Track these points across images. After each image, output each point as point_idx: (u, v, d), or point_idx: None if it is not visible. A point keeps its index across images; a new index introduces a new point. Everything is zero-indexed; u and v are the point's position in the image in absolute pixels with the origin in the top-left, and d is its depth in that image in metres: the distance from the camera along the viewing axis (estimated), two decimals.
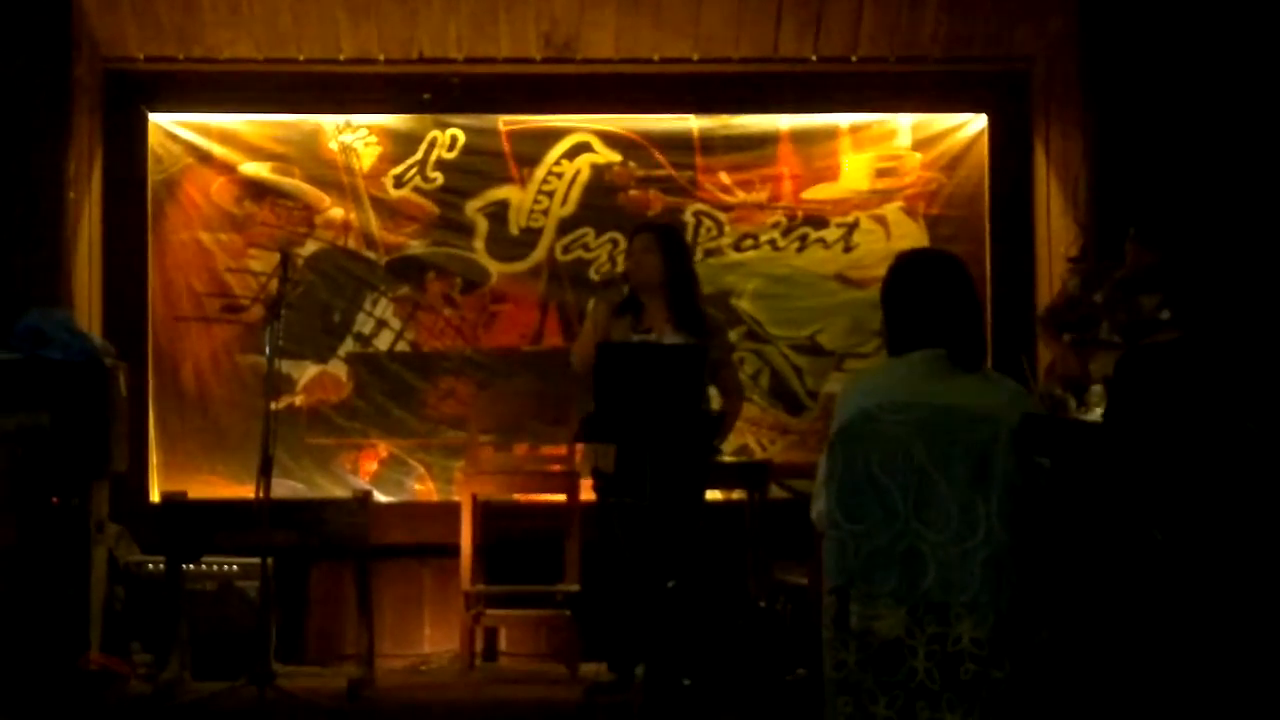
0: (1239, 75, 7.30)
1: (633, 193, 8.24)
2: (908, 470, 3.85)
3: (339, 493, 7.78)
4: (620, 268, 8.10)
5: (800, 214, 8.24)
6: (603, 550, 6.72)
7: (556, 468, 7.79)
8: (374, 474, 8.10)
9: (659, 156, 8.23)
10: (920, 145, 8.26)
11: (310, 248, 8.16)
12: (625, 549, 6.33)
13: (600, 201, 8.23)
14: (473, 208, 8.23)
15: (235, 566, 7.17)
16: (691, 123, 8.25)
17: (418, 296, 8.20)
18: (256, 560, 6.67)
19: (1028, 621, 3.80)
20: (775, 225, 8.23)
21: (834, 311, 8.22)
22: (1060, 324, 6.61)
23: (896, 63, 8.13)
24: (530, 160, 8.24)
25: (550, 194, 8.24)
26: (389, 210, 8.20)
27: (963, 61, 8.13)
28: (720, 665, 6.01)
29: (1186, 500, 4.01)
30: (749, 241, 8.23)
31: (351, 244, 8.19)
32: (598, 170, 8.25)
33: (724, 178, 8.22)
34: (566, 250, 8.21)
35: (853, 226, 8.23)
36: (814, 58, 8.10)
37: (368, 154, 8.21)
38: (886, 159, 8.25)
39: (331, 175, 8.19)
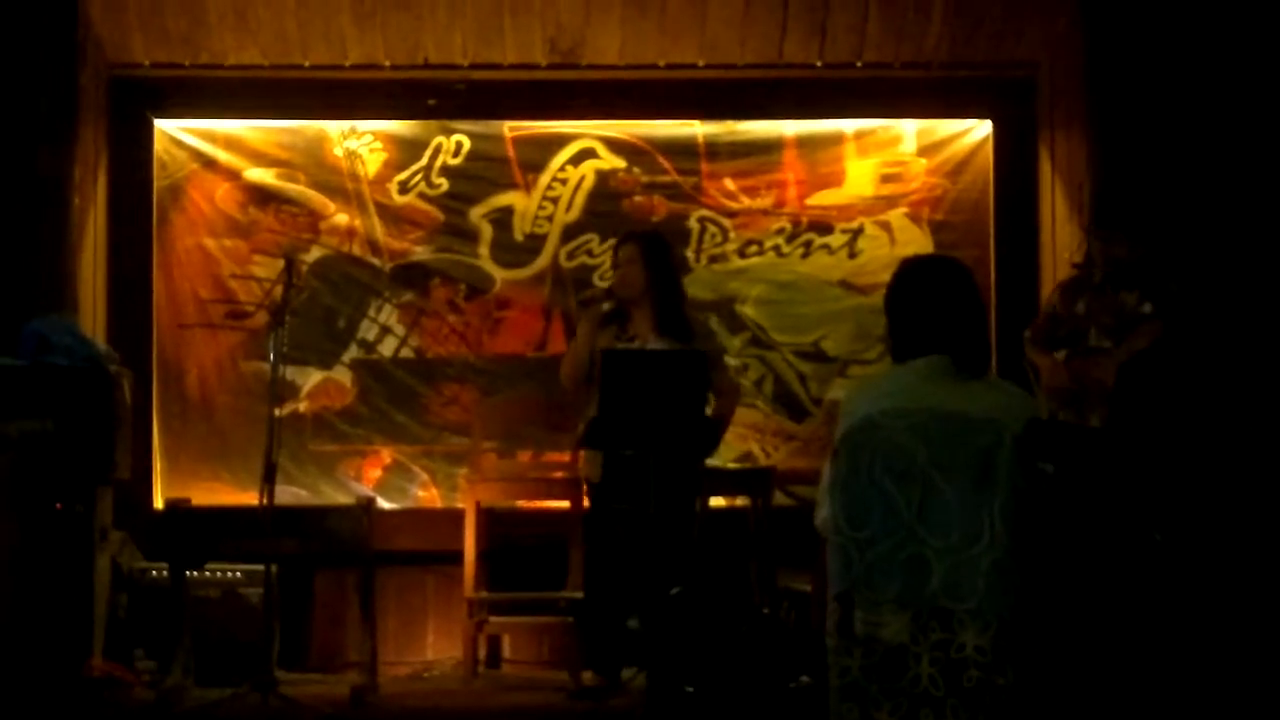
0: (1243, 79, 7.29)
1: (638, 199, 8.24)
2: (912, 476, 3.85)
3: (342, 499, 7.77)
4: None
5: (805, 220, 8.23)
6: (596, 558, 6.72)
7: (560, 474, 7.77)
8: (378, 480, 8.10)
9: (664, 162, 8.22)
10: (925, 151, 8.26)
11: (315, 254, 8.16)
12: (624, 556, 6.34)
13: (605, 208, 8.23)
14: (477, 214, 8.23)
15: (239, 573, 7.17)
16: (696, 129, 8.25)
17: (422, 303, 8.19)
18: (260, 567, 6.66)
19: (1032, 627, 3.79)
20: (780, 231, 8.22)
21: (838, 317, 8.21)
22: (1049, 341, 6.62)
23: (901, 68, 8.13)
24: (535, 166, 8.24)
25: (555, 200, 8.24)
26: (393, 216, 8.20)
27: (967, 67, 8.13)
28: (723, 672, 5.99)
29: (1188, 504, 4.00)
30: (753, 247, 8.23)
31: (356, 250, 8.19)
32: (602, 176, 8.25)
33: (729, 184, 8.22)
34: (571, 256, 8.21)
35: (857, 232, 8.22)
36: (819, 64, 8.10)
37: (372, 160, 8.21)
38: (891, 165, 8.25)
39: (336, 181, 8.19)
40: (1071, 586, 3.93)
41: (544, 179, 8.24)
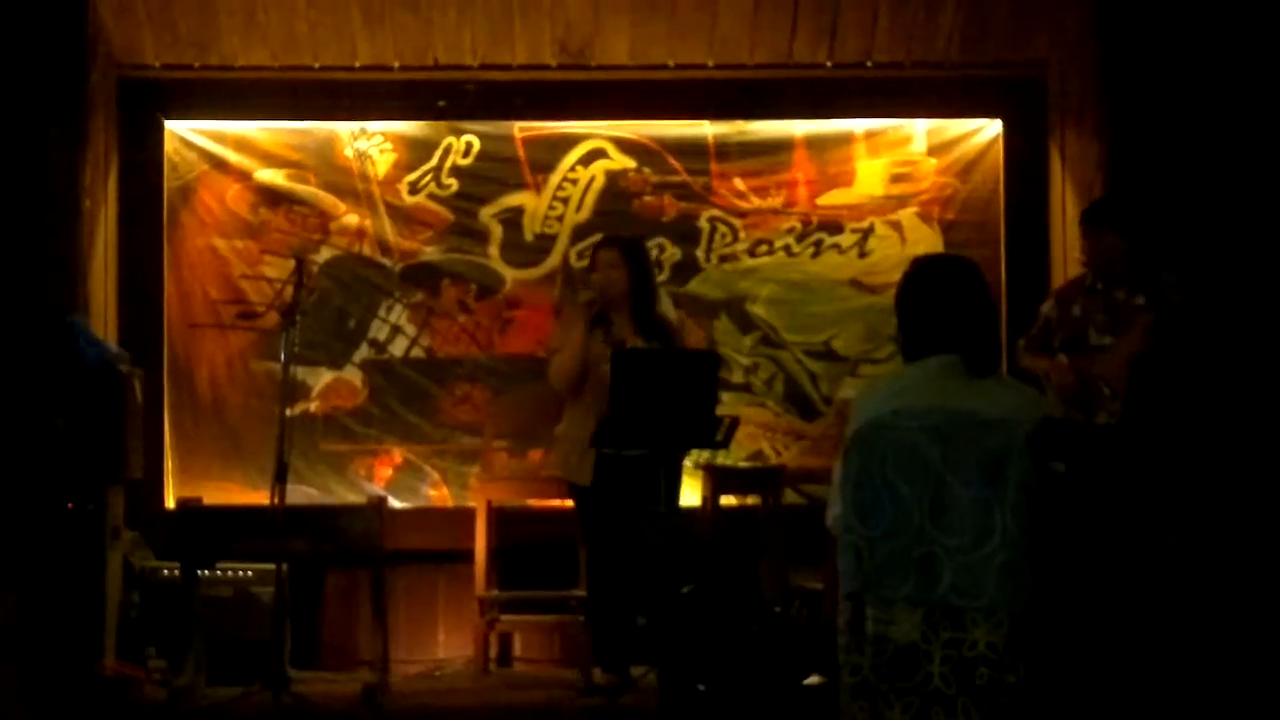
0: (1256, 78, 7.29)
1: (647, 199, 8.24)
2: (923, 475, 3.85)
3: (354, 499, 7.78)
4: None
5: (815, 220, 8.24)
6: (597, 558, 6.72)
7: None
8: (389, 480, 8.11)
9: (674, 163, 8.23)
10: (935, 151, 8.26)
11: (325, 254, 8.17)
12: (627, 555, 6.34)
13: (615, 208, 8.24)
14: (487, 214, 8.24)
15: (250, 573, 7.17)
16: (706, 129, 8.25)
17: (432, 303, 8.20)
18: (271, 566, 6.67)
19: (1043, 627, 3.79)
20: (790, 231, 8.23)
21: (848, 317, 8.21)
22: (1047, 348, 6.62)
23: (911, 68, 8.13)
24: (545, 167, 8.25)
25: (565, 200, 8.25)
26: (404, 217, 8.21)
27: (978, 67, 8.14)
28: (735, 670, 6.00)
29: (1202, 503, 4.00)
30: (764, 247, 8.23)
31: (366, 250, 8.20)
32: (612, 176, 8.26)
33: (739, 184, 8.22)
34: (581, 256, 8.21)
35: (867, 232, 8.23)
36: (829, 64, 8.10)
37: (383, 161, 8.22)
38: (901, 164, 8.26)
39: (346, 182, 8.20)
40: (1083, 585, 3.93)
41: (554, 179, 8.25)
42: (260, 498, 7.18)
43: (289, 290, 6.70)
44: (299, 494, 7.45)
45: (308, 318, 7.37)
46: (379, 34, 7.95)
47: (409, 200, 8.21)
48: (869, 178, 8.25)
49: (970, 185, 8.25)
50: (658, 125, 8.25)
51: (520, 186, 8.25)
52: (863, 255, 8.23)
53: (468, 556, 7.43)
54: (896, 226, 8.23)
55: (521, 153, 8.25)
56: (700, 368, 6.35)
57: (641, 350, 6.62)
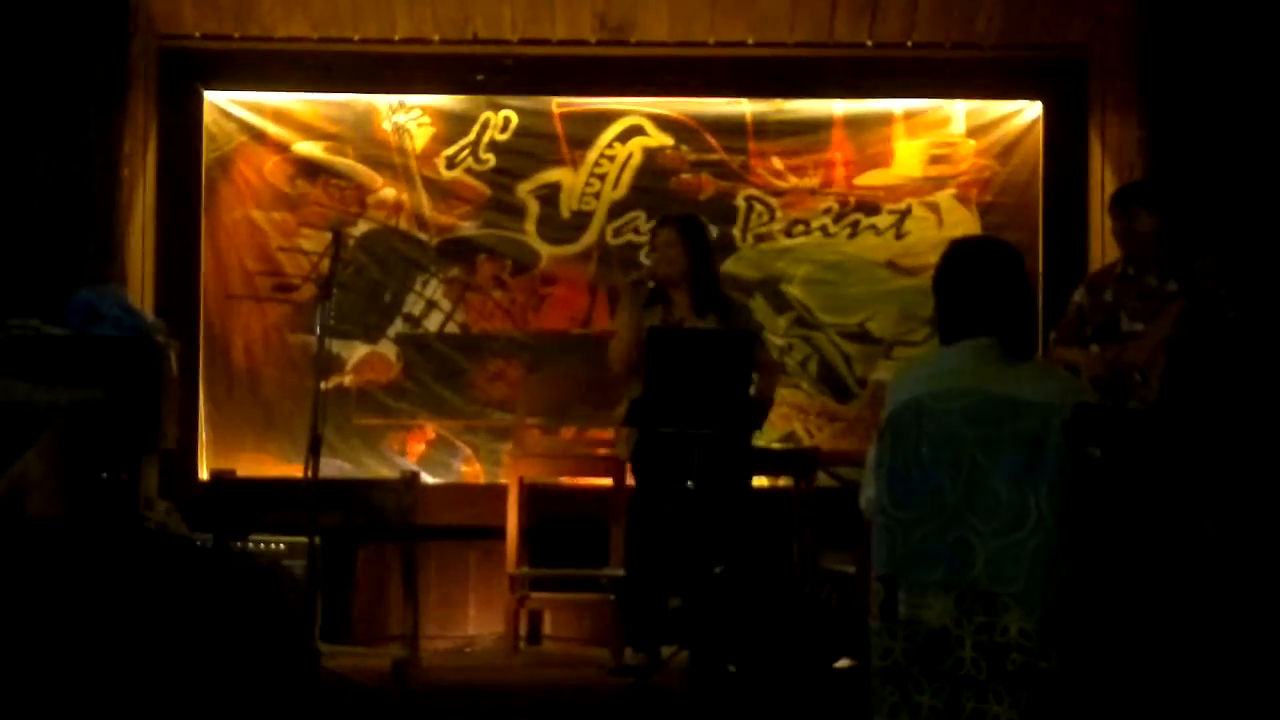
0: None
1: (684, 176, 8.22)
2: (958, 459, 3.83)
3: (386, 473, 7.80)
4: None
5: (852, 200, 8.21)
6: (637, 536, 6.71)
7: (604, 451, 7.78)
8: (421, 455, 8.11)
9: (711, 140, 8.20)
10: (974, 132, 8.22)
11: (362, 228, 8.17)
12: (666, 535, 6.34)
13: (652, 185, 8.22)
14: (524, 190, 8.23)
15: (282, 545, 7.19)
16: (745, 107, 8.22)
17: (468, 278, 8.20)
18: (303, 539, 6.67)
19: (1076, 613, 3.78)
20: (827, 211, 8.20)
21: (884, 299, 8.18)
22: (1080, 339, 6.59)
23: (952, 49, 8.08)
24: (583, 143, 8.23)
25: (602, 177, 8.23)
26: (441, 191, 8.20)
27: (1018, 48, 8.09)
28: (766, 652, 5.99)
29: (1238, 491, 3.98)
30: (800, 227, 8.20)
31: (403, 225, 8.20)
32: (650, 154, 8.23)
33: (776, 163, 8.19)
34: (617, 234, 8.20)
35: (905, 213, 8.19)
36: (869, 43, 8.06)
37: (420, 134, 8.22)
38: (940, 146, 8.21)
39: (384, 155, 8.20)
40: (1118, 572, 3.91)
41: (591, 155, 8.24)
42: (293, 470, 7.19)
43: (325, 263, 6.70)
44: (332, 468, 7.47)
45: (343, 291, 7.39)
46: (419, 7, 7.94)
47: (446, 175, 8.21)
48: (907, 159, 8.22)
49: (1009, 168, 8.20)
50: (696, 103, 8.23)
51: (558, 162, 8.23)
52: (899, 237, 8.19)
53: (499, 533, 7.44)
54: (934, 208, 8.20)
55: (559, 128, 8.24)
56: (735, 347, 6.33)
57: (675, 329, 6.61)
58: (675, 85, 8.20)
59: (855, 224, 8.19)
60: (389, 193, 8.19)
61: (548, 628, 7.79)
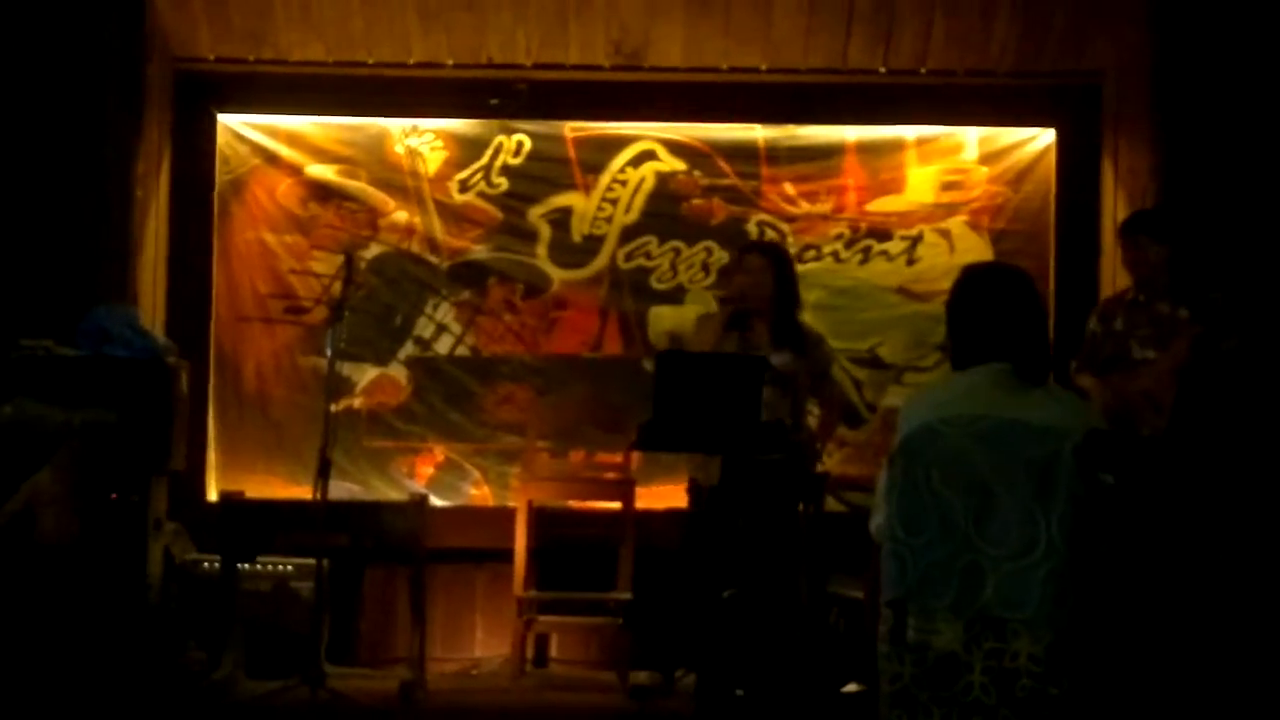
0: None
1: (697, 201, 8.22)
2: (969, 484, 3.82)
3: (395, 496, 7.79)
4: (682, 277, 8.11)
5: (864, 226, 8.20)
6: (686, 560, 6.66)
7: (612, 475, 7.77)
8: (430, 478, 8.11)
9: (724, 166, 8.21)
10: (987, 159, 8.22)
11: (374, 250, 8.18)
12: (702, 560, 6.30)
13: (664, 210, 8.22)
14: (536, 214, 8.23)
15: (290, 567, 7.19)
16: (757, 132, 8.23)
17: (479, 301, 8.20)
18: (311, 561, 6.68)
19: (1086, 639, 3.76)
20: (839, 237, 8.20)
21: (895, 324, 8.17)
22: (1095, 366, 6.58)
23: (965, 76, 8.10)
24: (595, 167, 8.24)
25: (614, 201, 8.24)
26: (453, 215, 8.21)
27: (1031, 75, 8.09)
28: (774, 676, 5.98)
29: (1249, 518, 3.96)
30: (811, 253, 8.20)
31: (415, 248, 8.21)
32: (662, 178, 8.24)
33: (788, 188, 8.20)
34: (629, 258, 8.21)
35: (916, 239, 8.19)
36: (883, 69, 8.07)
37: (433, 158, 8.23)
38: (952, 172, 8.22)
39: (397, 179, 8.21)
40: (1130, 598, 3.89)
41: (604, 180, 8.24)
42: (302, 492, 7.21)
43: (337, 286, 6.73)
44: (341, 490, 7.45)
45: (354, 314, 7.38)
46: (433, 31, 7.96)
47: (458, 198, 8.22)
48: (919, 185, 8.22)
49: (1021, 194, 8.20)
50: (709, 128, 8.23)
51: (570, 187, 8.24)
52: (911, 263, 8.19)
53: (507, 556, 7.43)
54: (945, 235, 8.19)
55: (572, 153, 8.25)
56: (745, 372, 6.32)
57: (686, 352, 6.60)
58: (688, 110, 8.21)
59: (867, 250, 8.19)
60: (401, 216, 8.20)
61: (555, 650, 7.77)
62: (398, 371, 8.18)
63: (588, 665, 7.66)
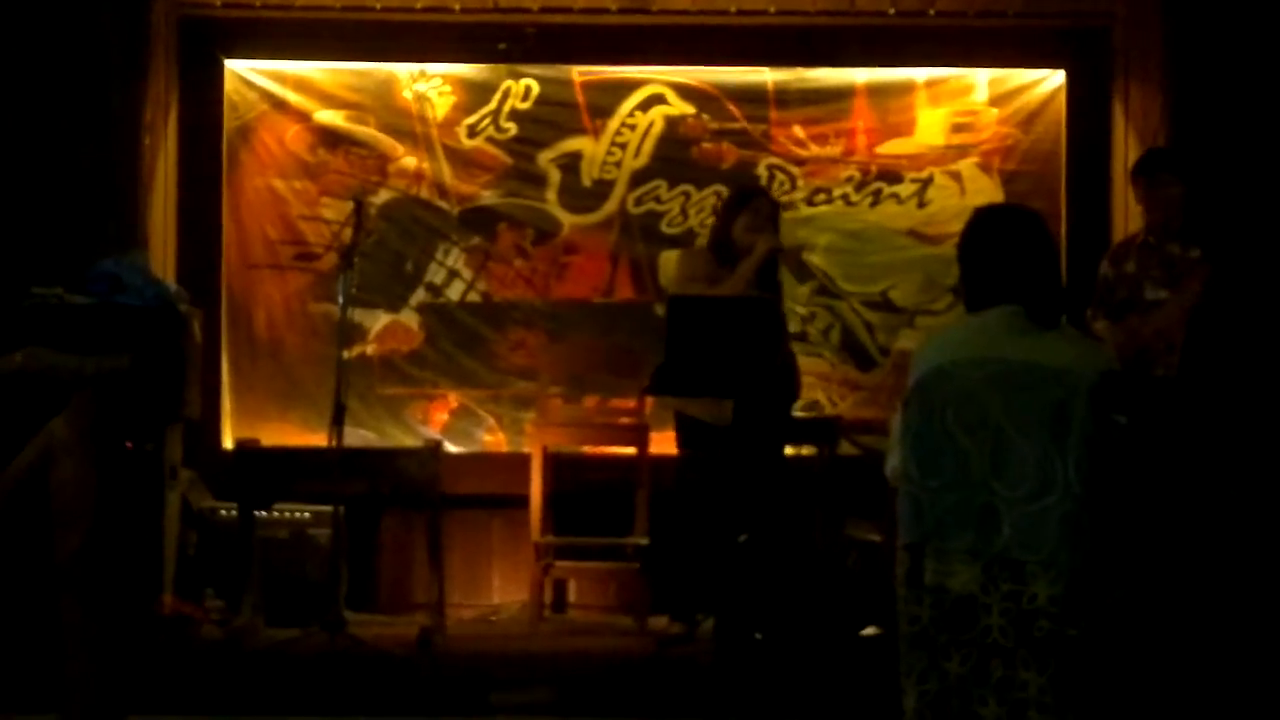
0: None
1: (706, 145, 8.21)
2: (984, 426, 3.82)
3: (410, 442, 7.81)
4: (692, 221, 8.10)
5: (874, 169, 8.19)
6: (678, 500, 6.70)
7: (626, 420, 7.79)
8: (444, 424, 8.12)
9: (733, 109, 8.19)
10: (997, 101, 8.19)
11: (383, 197, 8.17)
12: (701, 501, 6.34)
13: (673, 154, 8.20)
14: (545, 159, 8.22)
15: (307, 514, 7.21)
16: (766, 76, 8.20)
17: (489, 247, 8.20)
18: (328, 508, 6.71)
19: (1103, 579, 3.78)
20: (849, 180, 8.18)
21: (906, 267, 8.17)
22: (1108, 310, 6.57)
23: (975, 17, 8.05)
24: (604, 112, 8.22)
25: (623, 146, 8.22)
26: (462, 160, 8.20)
27: (1041, 16, 8.07)
28: (792, 620, 6.01)
29: (1263, 457, 3.98)
30: (822, 196, 8.19)
31: (424, 193, 8.20)
32: (671, 122, 8.22)
33: (798, 131, 8.18)
34: (639, 202, 8.20)
35: (927, 182, 8.17)
36: (891, 11, 8.04)
37: (442, 103, 8.21)
38: (962, 114, 8.19)
39: (405, 124, 8.20)
40: (1145, 539, 3.91)
41: (612, 124, 8.22)
42: (316, 439, 7.21)
43: (347, 232, 6.73)
44: (355, 437, 7.46)
45: (365, 260, 7.39)
46: None
47: (467, 143, 8.20)
48: (929, 127, 8.20)
49: (1032, 136, 8.18)
50: (718, 71, 8.21)
51: (579, 131, 8.22)
52: (921, 205, 8.18)
53: (523, 502, 7.44)
54: (956, 177, 8.18)
55: (580, 97, 8.23)
56: (758, 315, 6.32)
57: (698, 296, 6.59)
58: (697, 54, 8.17)
59: (877, 193, 8.17)
60: (410, 161, 8.19)
61: (572, 595, 7.81)
62: (409, 318, 8.18)
63: (605, 610, 7.70)
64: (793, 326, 8.04)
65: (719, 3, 8.01)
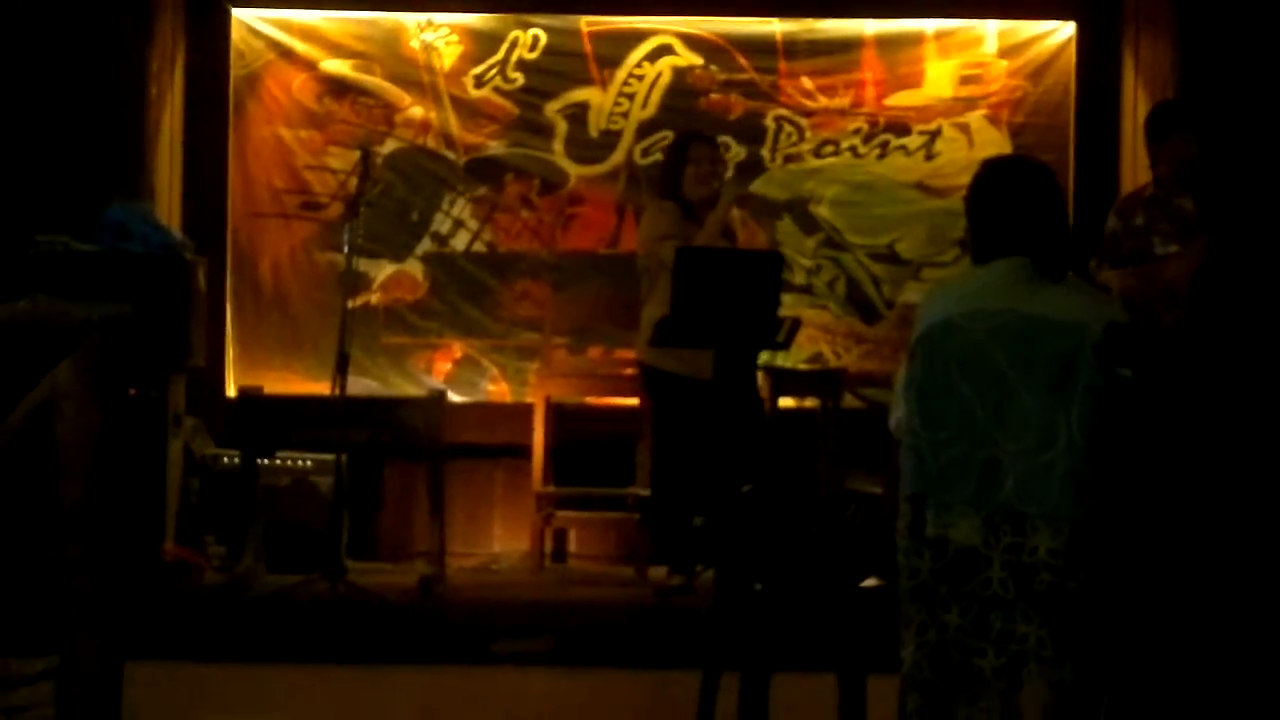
0: None
1: (714, 96, 8.18)
2: (989, 378, 3.81)
3: (413, 392, 7.81)
4: None
5: (882, 121, 8.16)
6: (676, 453, 6.71)
7: (630, 371, 7.77)
8: (448, 374, 8.13)
9: (741, 60, 8.15)
10: (1006, 53, 8.16)
11: (389, 146, 8.15)
12: (701, 453, 6.34)
13: (681, 105, 8.18)
14: (552, 109, 8.19)
15: (309, 462, 7.20)
16: (775, 26, 8.17)
17: (495, 197, 8.18)
18: (331, 456, 6.70)
19: (1105, 533, 3.77)
20: (856, 132, 8.16)
21: (913, 220, 8.15)
22: (1114, 261, 6.54)
23: None
24: (611, 62, 8.19)
25: (630, 96, 8.19)
26: (469, 110, 8.17)
27: None
28: (792, 571, 6.00)
29: (1269, 411, 3.96)
30: (829, 148, 8.16)
31: (431, 143, 8.18)
32: (679, 73, 8.19)
33: (806, 83, 8.14)
34: (645, 153, 8.17)
35: (935, 134, 8.14)
36: None
37: (449, 53, 8.18)
38: (971, 66, 8.16)
39: (412, 74, 8.17)
40: (1148, 493, 3.90)
41: (620, 75, 8.20)
42: (320, 388, 7.23)
43: (353, 182, 6.71)
44: (359, 386, 7.46)
45: (371, 210, 7.36)
46: None
47: (474, 93, 8.17)
48: (938, 79, 8.16)
49: (1041, 88, 8.15)
50: (726, 22, 8.17)
51: (586, 82, 8.19)
52: (929, 158, 8.15)
53: (525, 452, 7.46)
54: (964, 129, 8.15)
55: (588, 47, 8.20)
56: (764, 268, 6.32)
57: (705, 249, 6.58)
58: (705, 4, 8.15)
59: (885, 145, 8.15)
60: (417, 111, 8.16)
61: (573, 545, 7.82)
62: (415, 267, 8.18)
63: (606, 560, 7.71)
64: (798, 279, 8.05)
65: None
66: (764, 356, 7.30)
